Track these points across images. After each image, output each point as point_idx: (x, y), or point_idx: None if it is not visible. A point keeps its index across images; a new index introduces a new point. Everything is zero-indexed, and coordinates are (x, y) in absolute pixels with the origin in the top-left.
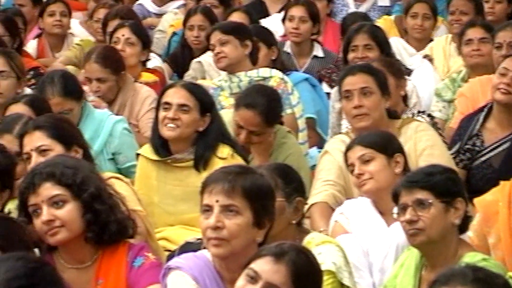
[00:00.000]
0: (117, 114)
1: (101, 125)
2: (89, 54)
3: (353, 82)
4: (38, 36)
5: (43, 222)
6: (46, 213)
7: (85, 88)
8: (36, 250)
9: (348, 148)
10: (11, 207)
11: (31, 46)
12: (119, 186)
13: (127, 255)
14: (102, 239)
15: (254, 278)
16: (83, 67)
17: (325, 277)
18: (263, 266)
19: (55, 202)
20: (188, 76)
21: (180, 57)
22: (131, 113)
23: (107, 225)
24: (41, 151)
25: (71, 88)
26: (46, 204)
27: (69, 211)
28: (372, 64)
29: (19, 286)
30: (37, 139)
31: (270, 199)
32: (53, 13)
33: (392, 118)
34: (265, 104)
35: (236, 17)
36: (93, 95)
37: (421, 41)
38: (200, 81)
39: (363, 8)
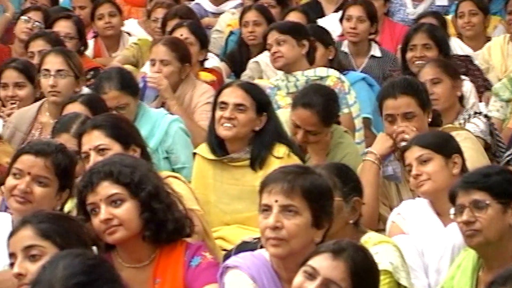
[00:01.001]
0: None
1: (156, 124)
2: (158, 39)
3: (395, 106)
4: (94, 36)
5: (101, 221)
6: (104, 212)
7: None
8: (94, 248)
9: (406, 148)
10: (70, 205)
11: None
12: (177, 185)
13: (185, 254)
14: (160, 238)
15: (312, 275)
16: (150, 51)
17: (382, 277)
18: (322, 262)
19: (113, 201)
20: (245, 76)
21: (238, 56)
22: (188, 107)
23: (165, 224)
24: (100, 150)
25: (128, 83)
26: (104, 203)
27: (127, 209)
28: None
29: (77, 283)
30: (95, 138)
31: (329, 199)
32: (101, 16)
33: (434, 125)
34: (322, 104)
35: (293, 16)
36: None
37: (476, 40)
38: (257, 81)
39: (420, 8)
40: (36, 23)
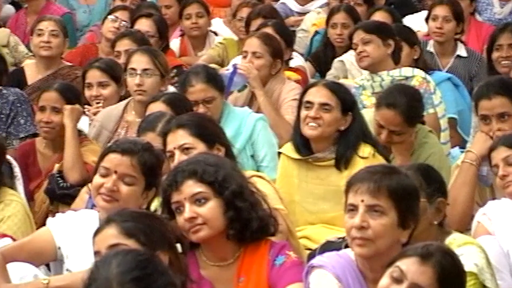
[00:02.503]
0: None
1: (242, 123)
2: (253, 32)
3: (490, 107)
4: (181, 35)
5: (186, 220)
6: (188, 210)
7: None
8: (178, 246)
9: (492, 148)
10: (157, 204)
11: (173, 45)
12: (261, 184)
13: (269, 253)
14: (244, 237)
15: (399, 278)
16: (244, 42)
17: (467, 278)
18: (409, 266)
19: (198, 200)
20: (330, 75)
21: (323, 55)
22: (275, 103)
23: (249, 223)
24: (184, 149)
25: (214, 77)
26: (189, 202)
27: (211, 208)
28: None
29: (133, 278)
30: (180, 138)
31: (415, 199)
32: (189, 16)
33: None
34: (406, 104)
35: (379, 16)
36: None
37: None
38: (342, 80)
39: (508, 8)
40: (123, 22)
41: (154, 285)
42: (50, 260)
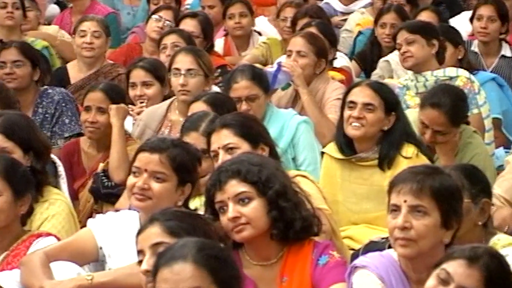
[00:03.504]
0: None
1: (285, 125)
2: (298, 32)
3: None
4: (225, 35)
5: (229, 219)
6: (232, 210)
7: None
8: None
9: None
10: (198, 203)
11: (217, 45)
12: (305, 184)
13: (312, 253)
14: (287, 237)
15: (445, 280)
16: (288, 42)
17: None
18: (456, 269)
19: (241, 199)
20: (375, 75)
21: (369, 55)
22: (319, 102)
23: (292, 222)
24: (228, 149)
25: (259, 76)
26: (232, 201)
27: (254, 208)
28: None
29: (208, 254)
30: (224, 137)
31: (458, 200)
32: (232, 16)
33: None
34: (450, 104)
35: (425, 16)
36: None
37: None
38: (386, 80)
39: None
40: (167, 22)
41: (224, 269)
42: (92, 260)
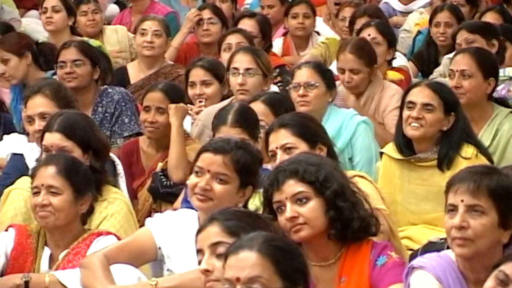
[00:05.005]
0: (363, 107)
1: (344, 124)
2: (344, 45)
3: None
4: (284, 34)
5: (287, 219)
6: (289, 210)
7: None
8: None
9: None
10: (256, 204)
11: (276, 44)
12: (363, 184)
13: (371, 253)
14: (345, 237)
15: (505, 282)
16: (337, 58)
17: None
18: None
19: (299, 199)
20: (437, 72)
21: (426, 55)
22: (377, 108)
23: (350, 222)
24: (286, 149)
25: (324, 69)
26: (290, 201)
27: (312, 208)
28: None
29: (275, 245)
30: (282, 137)
31: None
32: (296, 15)
33: None
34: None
35: (490, 17)
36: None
37: None
38: (447, 79)
39: None
40: (209, 20)
41: (289, 262)
42: (150, 260)
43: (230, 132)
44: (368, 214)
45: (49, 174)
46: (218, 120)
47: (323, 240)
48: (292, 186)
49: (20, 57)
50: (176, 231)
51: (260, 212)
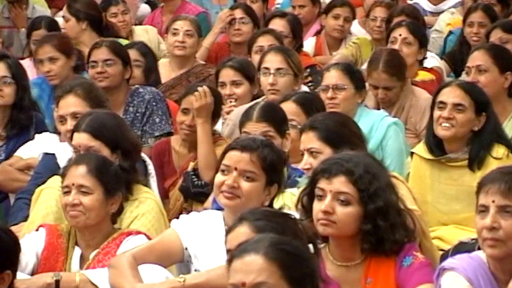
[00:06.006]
0: (394, 117)
1: (374, 126)
2: (376, 61)
3: None
4: (317, 33)
5: (321, 210)
6: (328, 203)
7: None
8: (311, 246)
9: None
10: (280, 202)
11: (309, 43)
12: (395, 184)
13: (397, 254)
14: (375, 250)
15: None
16: (369, 73)
17: None
18: None
19: (341, 199)
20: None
21: (458, 55)
22: (408, 117)
23: (383, 242)
24: (312, 152)
25: (353, 70)
26: (332, 196)
27: (349, 213)
28: None
29: (282, 249)
30: (308, 140)
31: None
32: (337, 17)
33: None
34: None
35: None
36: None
37: None
38: None
39: None
40: (241, 19)
41: (296, 266)
42: (177, 261)
43: (255, 127)
44: (403, 237)
45: (80, 174)
46: (244, 116)
47: (350, 241)
48: (341, 184)
49: (68, 58)
50: (202, 231)
51: (285, 209)
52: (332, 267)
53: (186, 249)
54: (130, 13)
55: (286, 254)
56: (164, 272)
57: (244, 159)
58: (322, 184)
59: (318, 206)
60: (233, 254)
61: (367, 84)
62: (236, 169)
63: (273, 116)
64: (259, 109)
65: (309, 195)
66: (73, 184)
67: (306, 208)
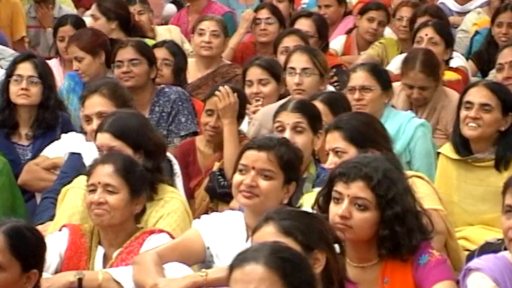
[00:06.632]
0: (426, 118)
1: (402, 128)
2: (412, 60)
3: None
4: (347, 32)
5: (338, 215)
6: (345, 208)
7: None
8: (337, 246)
9: None
10: (301, 201)
11: (338, 42)
12: (421, 185)
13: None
14: (392, 255)
15: None
16: (404, 73)
17: None
18: None
19: (359, 204)
20: (492, 74)
21: (485, 54)
22: (439, 118)
23: (400, 247)
24: (337, 152)
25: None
26: (349, 200)
27: (366, 218)
28: None
29: (280, 256)
30: (333, 140)
31: None
32: (371, 20)
33: None
34: None
35: None
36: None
37: None
38: None
39: None
40: (267, 20)
41: (297, 274)
42: (199, 260)
43: (289, 117)
44: (419, 242)
45: (107, 173)
46: (280, 107)
47: (366, 245)
48: (359, 189)
49: (94, 56)
50: (224, 231)
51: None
52: (349, 268)
53: (208, 248)
54: (148, 13)
55: (286, 262)
56: (188, 271)
57: (261, 158)
58: (340, 187)
59: (335, 210)
60: (233, 264)
61: (394, 85)
62: (253, 168)
63: (308, 110)
64: (296, 101)
65: (326, 196)
66: (99, 183)
67: (323, 209)
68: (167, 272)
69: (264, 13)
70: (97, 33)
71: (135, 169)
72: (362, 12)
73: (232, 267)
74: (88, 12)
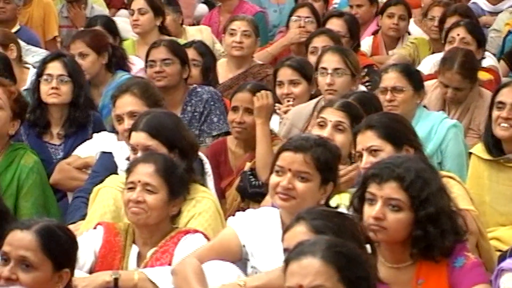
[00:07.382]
0: (459, 117)
1: (434, 128)
2: (450, 60)
3: None
4: (374, 33)
5: (372, 216)
6: (378, 210)
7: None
8: (368, 246)
9: None
10: (337, 201)
11: (366, 43)
12: (452, 185)
13: (447, 256)
14: (425, 255)
15: None
16: (441, 72)
17: None
18: None
19: (392, 205)
20: None
21: None
22: (472, 118)
23: (433, 249)
24: (372, 151)
25: (411, 71)
26: (383, 202)
27: (400, 219)
28: None
29: (337, 251)
30: (368, 139)
31: None
32: (391, 15)
33: None
34: None
35: None
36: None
37: None
38: None
39: None
40: (307, 18)
41: (353, 269)
42: (236, 259)
43: (334, 114)
44: (452, 243)
45: (147, 172)
46: (327, 102)
47: (400, 245)
48: (392, 190)
49: (98, 55)
50: (259, 229)
51: (340, 209)
52: (383, 268)
53: (243, 246)
54: (174, 14)
55: (343, 257)
56: (236, 271)
57: (298, 160)
58: (373, 189)
59: (368, 211)
60: (289, 257)
61: (426, 84)
62: (290, 170)
63: (353, 110)
64: (344, 100)
65: (360, 198)
66: (139, 181)
67: (358, 211)
68: (214, 271)
69: (304, 12)
70: (102, 34)
71: (175, 170)
72: (382, 11)
73: (288, 260)
74: (120, 12)
